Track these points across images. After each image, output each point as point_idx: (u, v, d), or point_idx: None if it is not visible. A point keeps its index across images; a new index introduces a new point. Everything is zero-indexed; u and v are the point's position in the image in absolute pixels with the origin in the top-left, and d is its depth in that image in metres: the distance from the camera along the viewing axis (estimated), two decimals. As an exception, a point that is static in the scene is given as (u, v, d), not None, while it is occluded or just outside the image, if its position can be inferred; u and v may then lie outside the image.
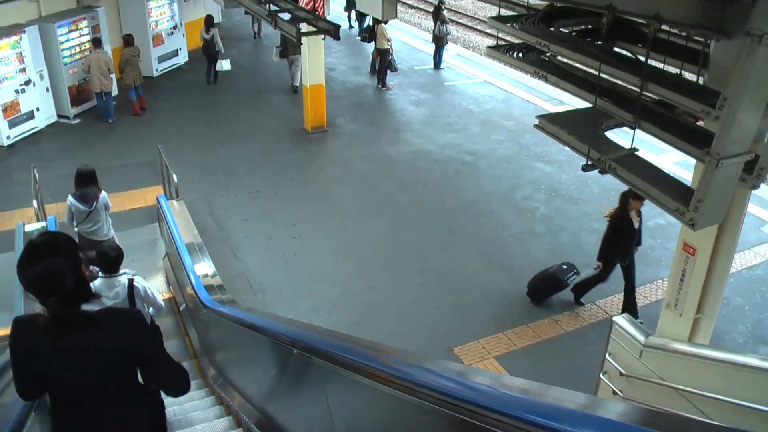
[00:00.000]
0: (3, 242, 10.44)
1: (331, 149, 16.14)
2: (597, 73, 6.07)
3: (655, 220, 12.62)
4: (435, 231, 12.60)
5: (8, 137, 15.55)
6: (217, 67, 19.80)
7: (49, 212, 11.25)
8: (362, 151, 15.76)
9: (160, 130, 15.95)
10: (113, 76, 16.82)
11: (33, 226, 9.84)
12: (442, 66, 21.31)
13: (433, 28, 21.17)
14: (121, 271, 6.84)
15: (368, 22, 22.98)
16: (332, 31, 6.69)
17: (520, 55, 7.98)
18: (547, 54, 7.67)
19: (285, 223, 12.78)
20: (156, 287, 7.48)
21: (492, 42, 22.55)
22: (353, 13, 25.33)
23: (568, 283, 10.58)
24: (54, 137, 16.19)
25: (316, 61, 16.09)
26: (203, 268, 9.40)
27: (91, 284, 5.95)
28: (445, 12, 21.05)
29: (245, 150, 15.76)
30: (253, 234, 12.49)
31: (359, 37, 24.20)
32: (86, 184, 9.50)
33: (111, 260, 6.79)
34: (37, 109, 16.19)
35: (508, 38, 8.37)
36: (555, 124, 6.51)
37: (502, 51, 7.98)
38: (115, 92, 17.26)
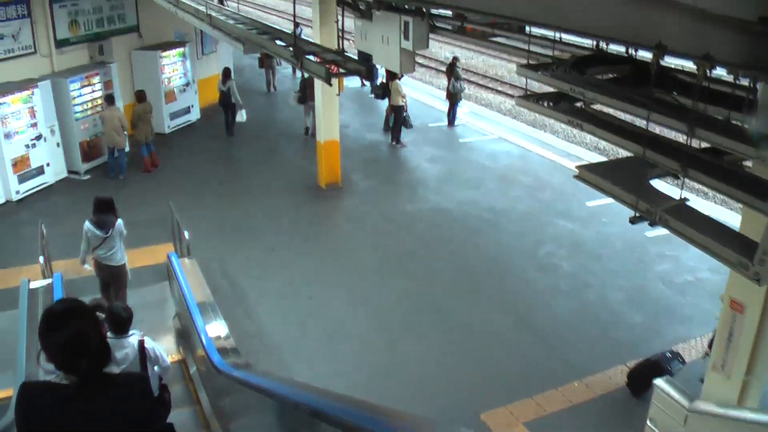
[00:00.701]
0: (8, 299, 10.02)
1: (346, 206, 15.80)
2: (643, 120, 5.70)
3: (683, 277, 12.21)
4: (457, 288, 12.18)
5: (17, 192, 15.34)
6: (237, 119, 19.79)
7: (57, 269, 10.88)
8: (378, 207, 15.42)
9: (171, 186, 15.65)
10: (126, 132, 16.56)
11: (39, 283, 9.46)
12: (456, 123, 21.06)
13: (447, 85, 20.98)
14: (130, 332, 6.69)
15: (381, 78, 22.82)
16: (363, 71, 6.37)
17: (551, 104, 7.62)
18: (581, 102, 7.33)
19: (301, 282, 12.37)
20: (164, 348, 7.21)
21: (506, 99, 22.49)
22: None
23: (674, 373, 9.54)
24: (63, 193, 15.94)
25: (330, 116, 15.86)
26: (215, 328, 8.96)
27: None
28: (459, 69, 20.86)
29: (258, 207, 15.45)
30: (268, 293, 12.06)
31: (372, 94, 24.01)
32: (103, 211, 10.08)
33: (123, 321, 6.64)
34: (48, 165, 16.00)
35: (531, 88, 8.02)
36: (597, 174, 6.11)
37: (532, 100, 7.63)
38: (127, 149, 17.00)
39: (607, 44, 7.46)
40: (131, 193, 16.04)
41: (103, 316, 6.81)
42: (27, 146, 15.39)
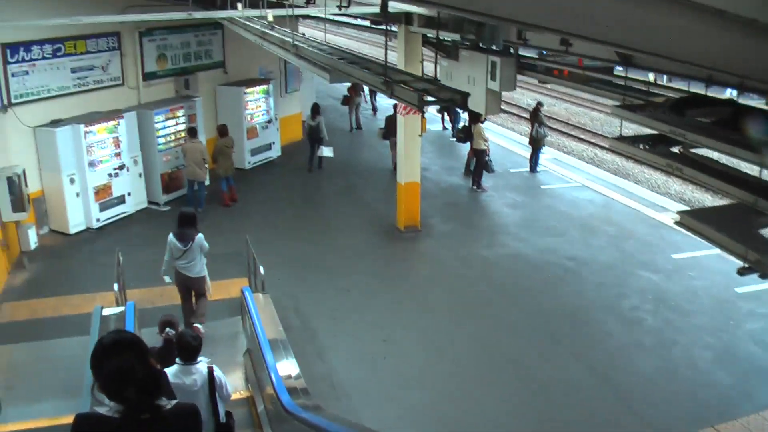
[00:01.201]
0: (81, 325, 10.01)
1: (424, 249, 15.51)
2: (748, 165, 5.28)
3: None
4: (535, 338, 11.74)
5: (98, 220, 15.59)
6: (320, 153, 19.96)
7: (131, 297, 10.85)
8: (457, 252, 15.07)
9: (248, 222, 15.61)
10: (207, 166, 16.67)
11: (111, 311, 9.46)
12: (538, 169, 20.63)
13: (530, 130, 20.61)
14: (198, 359, 6.94)
15: (463, 122, 22.62)
16: (458, 99, 6.08)
17: (648, 147, 7.23)
18: (679, 147, 6.93)
19: (375, 324, 12.07)
20: (232, 384, 7.52)
21: (588, 147, 21.97)
22: (446, 114, 25.11)
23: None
24: (142, 223, 16.10)
25: (411, 158, 15.65)
26: (286, 367, 8.74)
27: (168, 370, 6.57)
28: (542, 114, 20.49)
29: (335, 246, 15.29)
30: (341, 334, 11.80)
31: (453, 138, 23.78)
32: (185, 225, 10.87)
33: (193, 349, 6.93)
34: (129, 194, 16.25)
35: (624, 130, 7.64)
36: (701, 220, 5.68)
37: (627, 143, 7.25)
38: (207, 182, 17.09)
39: (707, 86, 7.08)
40: (209, 227, 15.90)
41: (173, 332, 7.66)
42: (110, 175, 15.67)
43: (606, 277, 13.91)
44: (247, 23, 11.04)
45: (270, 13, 9.95)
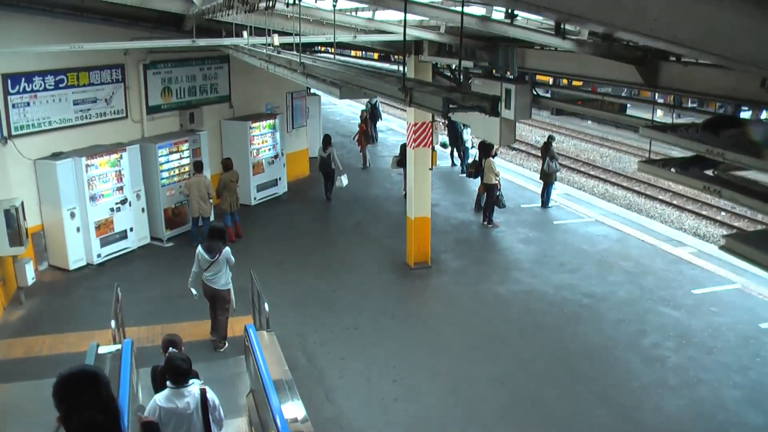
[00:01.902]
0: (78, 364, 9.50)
1: (435, 286, 15.00)
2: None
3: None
4: (555, 377, 11.20)
5: (98, 255, 15.23)
6: (337, 184, 20.25)
7: (131, 335, 10.39)
8: (470, 288, 14.57)
9: (253, 258, 15.10)
10: (212, 200, 16.28)
11: (107, 349, 9.03)
12: (550, 204, 20.18)
13: (541, 165, 20.21)
14: (190, 381, 6.97)
15: (473, 157, 22.27)
16: (488, 107, 5.58)
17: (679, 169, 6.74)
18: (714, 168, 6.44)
19: (385, 364, 11.54)
20: (234, 428, 7.88)
21: (598, 183, 21.62)
22: (455, 150, 24.78)
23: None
24: (145, 259, 15.68)
25: (422, 192, 15.23)
26: (292, 410, 8.35)
27: (160, 395, 6.77)
28: (554, 148, 20.10)
29: (342, 283, 14.81)
30: (350, 374, 11.26)
31: (463, 174, 23.41)
32: (213, 238, 11.53)
33: (183, 371, 6.94)
34: (131, 230, 15.90)
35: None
36: (750, 245, 5.15)
37: (658, 165, 6.77)
38: (212, 218, 16.69)
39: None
40: None
41: (176, 351, 7.70)
42: (112, 210, 15.34)
43: (625, 314, 13.39)
44: (253, 49, 10.68)
45: (277, 38, 9.60)
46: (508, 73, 11.35)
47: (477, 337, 12.53)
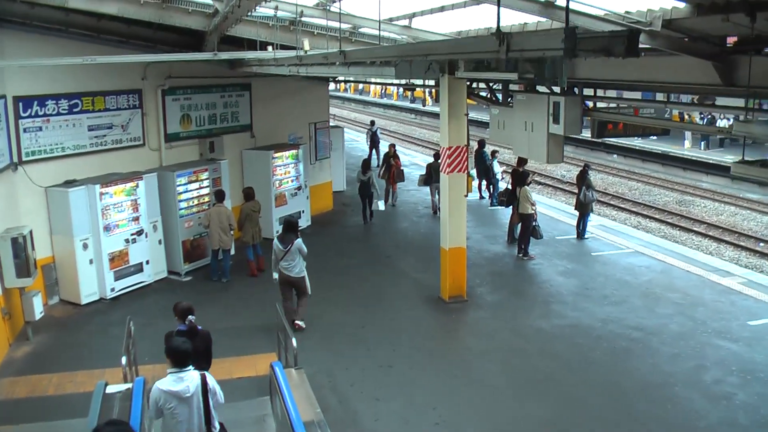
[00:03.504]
0: (85, 404, 8.59)
1: (473, 320, 14.01)
2: None
3: None
4: (610, 418, 10.15)
5: (112, 289, 14.42)
6: (373, 207, 20.84)
7: (144, 374, 9.46)
8: (510, 323, 13.60)
9: (276, 292, 14.11)
10: (233, 232, 15.45)
11: (116, 388, 8.12)
12: (586, 236, 19.22)
13: (577, 194, 19.29)
14: (189, 366, 7.09)
15: (506, 185, 21.48)
16: (622, 44, 4.66)
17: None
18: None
19: (425, 404, 10.52)
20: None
21: (630, 216, 20.77)
22: (483, 182, 23.96)
23: None
24: (161, 293, 14.80)
25: (457, 221, 14.29)
26: (326, 458, 7.30)
27: (161, 381, 6.96)
28: (591, 177, 19.20)
29: (373, 318, 13.86)
30: (386, 416, 10.24)
31: (494, 205, 22.58)
32: (287, 230, 12.89)
33: (184, 353, 7.06)
34: (147, 262, 15.09)
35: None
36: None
37: (757, 166, 5.87)
38: (232, 250, 15.86)
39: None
40: (235, 298, 14.93)
41: (194, 318, 8.51)
42: (127, 241, 14.58)
43: (680, 348, 12.35)
44: (280, 57, 9.89)
45: (307, 42, 8.79)
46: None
47: (521, 375, 11.52)
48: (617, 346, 12.52)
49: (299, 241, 12.72)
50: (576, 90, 10.54)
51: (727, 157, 31.60)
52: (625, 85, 10.66)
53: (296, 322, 12.82)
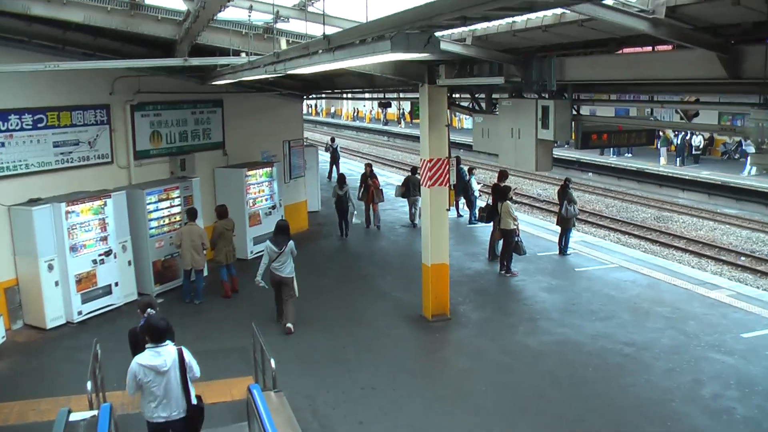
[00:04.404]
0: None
1: (458, 339, 13.51)
2: None
3: None
4: (609, 438, 9.61)
5: (79, 313, 13.72)
6: (349, 219, 21.16)
7: (113, 400, 8.82)
8: (496, 341, 13.09)
9: (252, 314, 13.57)
10: (205, 252, 14.83)
11: (81, 415, 7.53)
12: (568, 252, 18.83)
13: (559, 209, 18.91)
14: (166, 342, 7.56)
15: (481, 203, 21.14)
16: None
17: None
18: None
19: (411, 427, 10.02)
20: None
21: (609, 233, 20.50)
22: (462, 199, 23.54)
23: None
24: (131, 316, 13.96)
25: (439, 236, 13.83)
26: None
27: (139, 356, 7.46)
28: (572, 191, 18.83)
29: (354, 339, 13.31)
30: (371, 440, 9.63)
31: (474, 222, 22.18)
32: (280, 233, 13.51)
33: (162, 329, 7.59)
34: (116, 284, 14.42)
35: None
36: None
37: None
38: (205, 271, 15.26)
39: None
40: (208, 320, 14.34)
41: (153, 311, 8.65)
42: (94, 262, 13.92)
43: (675, 363, 11.94)
44: (254, 60, 9.37)
45: (284, 41, 8.27)
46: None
47: (512, 394, 11.00)
48: (609, 362, 12.08)
49: (291, 243, 13.33)
50: (565, 95, 10.11)
51: (703, 173, 31.67)
52: (620, 85, 10.27)
53: (287, 325, 13.37)
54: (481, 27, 9.52)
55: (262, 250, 18.16)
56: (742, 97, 8.13)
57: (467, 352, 12.79)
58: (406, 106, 38.46)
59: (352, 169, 33.56)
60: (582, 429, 9.90)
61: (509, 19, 8.67)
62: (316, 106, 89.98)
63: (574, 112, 10.06)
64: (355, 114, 78.02)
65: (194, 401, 7.73)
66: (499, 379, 11.51)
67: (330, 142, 34.68)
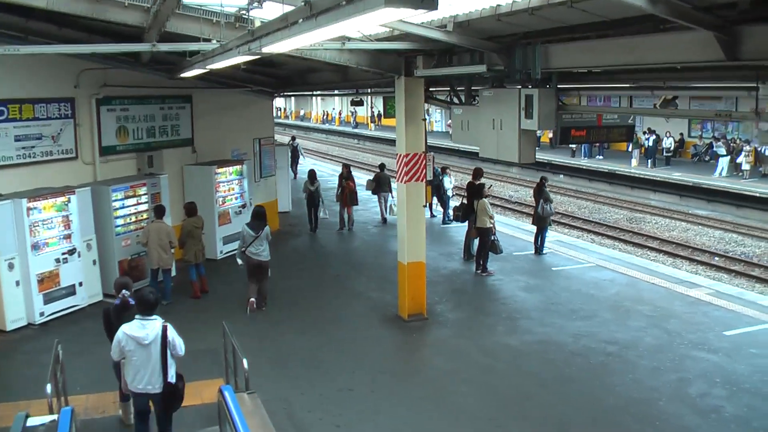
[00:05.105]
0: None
1: (436, 339, 13.13)
2: None
3: None
4: (598, 439, 9.28)
5: (41, 314, 13.11)
6: (323, 215, 21.63)
7: (76, 404, 8.37)
8: (476, 341, 12.74)
9: (222, 314, 12.89)
10: (173, 251, 14.31)
11: (39, 420, 6.98)
12: (544, 251, 18.56)
13: (535, 208, 18.64)
14: (154, 316, 7.93)
15: (455, 203, 20.84)
16: None
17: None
18: None
19: (392, 430, 9.63)
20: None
21: (582, 233, 20.33)
22: (435, 199, 23.19)
23: None
24: (97, 318, 13.33)
25: (416, 234, 13.46)
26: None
27: (127, 325, 7.87)
28: (548, 189, 18.58)
29: (329, 339, 12.88)
30: (351, 445, 9.21)
31: (448, 222, 21.88)
32: (257, 218, 14.03)
33: (150, 302, 7.98)
34: (80, 284, 13.83)
35: None
36: None
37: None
38: (173, 271, 14.76)
39: None
40: (176, 322, 13.17)
41: (128, 293, 8.85)
42: (57, 261, 13.31)
43: (659, 361, 11.68)
44: (226, 43, 8.91)
45: (258, 22, 7.83)
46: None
47: (496, 395, 10.64)
48: (593, 361, 11.78)
49: (267, 228, 13.94)
50: (549, 85, 9.80)
51: (675, 175, 31.71)
52: (610, 71, 9.98)
53: (262, 308, 14.20)
54: (463, 12, 9.21)
55: (233, 250, 17.98)
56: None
57: (447, 353, 12.40)
58: (379, 103, 38.17)
59: (322, 171, 33.02)
60: (571, 430, 9.58)
61: (493, 2, 8.35)
62: (285, 109, 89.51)
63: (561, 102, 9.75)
64: (325, 117, 77.74)
65: (172, 379, 7.96)
66: (482, 380, 11.14)
67: (291, 141, 34.60)
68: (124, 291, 8.91)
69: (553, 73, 9.62)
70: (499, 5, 8.26)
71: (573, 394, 10.60)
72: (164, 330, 7.85)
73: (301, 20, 5.12)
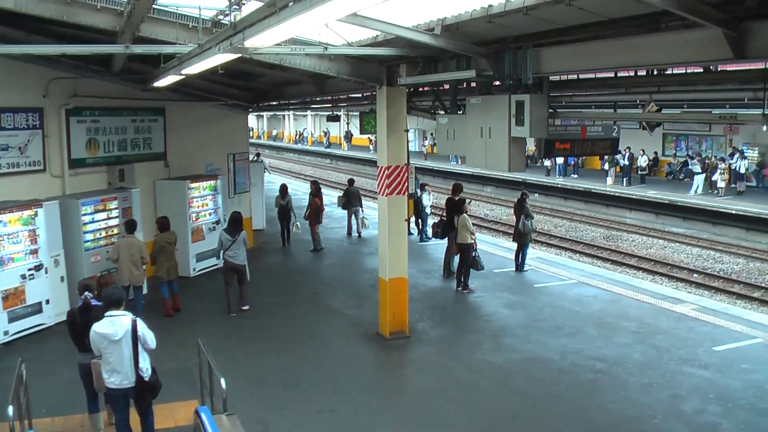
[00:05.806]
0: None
1: (419, 357, 12.72)
2: None
3: None
4: (591, 458, 8.91)
5: (6, 333, 12.53)
6: (293, 229, 21.56)
7: (40, 427, 7.84)
8: (460, 359, 12.37)
9: (196, 333, 12.36)
10: (144, 267, 13.74)
11: None
12: (525, 268, 18.22)
13: (515, 224, 18.32)
14: (122, 312, 8.05)
15: (433, 220, 20.52)
16: None
17: None
18: None
19: (378, 452, 9.14)
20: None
21: (561, 252, 20.04)
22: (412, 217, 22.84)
23: None
24: (65, 337, 12.79)
25: (397, 249, 13.09)
26: None
27: (97, 323, 8.00)
28: (529, 205, 18.28)
29: (307, 358, 12.43)
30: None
31: (426, 239, 21.52)
32: (233, 224, 14.46)
33: (117, 298, 8.17)
34: (47, 302, 13.28)
35: None
36: None
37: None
38: (144, 288, 14.25)
39: None
40: None
41: (90, 295, 8.93)
42: (23, 277, 12.80)
43: (650, 378, 11.36)
44: (204, 43, 8.46)
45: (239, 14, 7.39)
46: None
47: (483, 414, 10.24)
48: (582, 378, 11.44)
49: (244, 233, 14.48)
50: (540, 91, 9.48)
51: (650, 193, 31.63)
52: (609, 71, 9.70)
53: (243, 308, 14.76)
54: (451, 15, 8.89)
55: (206, 267, 17.48)
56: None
57: (431, 371, 11.98)
58: (355, 121, 37.92)
59: (295, 189, 32.53)
60: (564, 450, 9.22)
61: (484, 3, 8.04)
62: (257, 129, 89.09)
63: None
64: (297, 137, 77.52)
65: (145, 372, 8.10)
66: (468, 399, 10.74)
67: (255, 157, 34.40)
68: (86, 293, 8.92)
69: (545, 78, 9.31)
70: (490, 5, 7.94)
71: (564, 412, 10.23)
72: (134, 324, 7.97)
73: (291, 2, 4.72)
